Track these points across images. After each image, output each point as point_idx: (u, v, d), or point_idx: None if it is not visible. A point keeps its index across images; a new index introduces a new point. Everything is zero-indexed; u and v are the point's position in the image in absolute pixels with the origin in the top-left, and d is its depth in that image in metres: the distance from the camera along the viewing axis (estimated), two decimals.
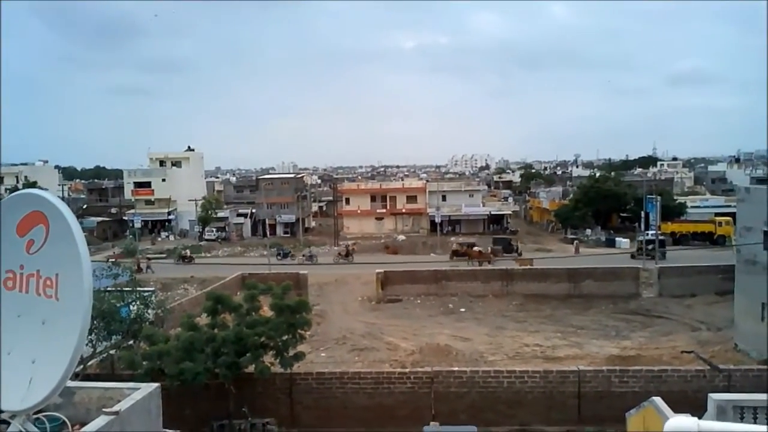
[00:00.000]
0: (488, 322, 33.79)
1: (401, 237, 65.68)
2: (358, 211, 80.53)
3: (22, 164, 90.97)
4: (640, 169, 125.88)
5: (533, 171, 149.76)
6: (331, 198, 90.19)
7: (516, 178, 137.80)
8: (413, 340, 30.13)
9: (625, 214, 73.92)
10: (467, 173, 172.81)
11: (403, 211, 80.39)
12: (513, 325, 33.21)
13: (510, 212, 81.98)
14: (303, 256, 58.65)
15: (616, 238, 63.83)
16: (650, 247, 51.48)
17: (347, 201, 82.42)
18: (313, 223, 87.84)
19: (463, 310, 36.91)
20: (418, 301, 39.33)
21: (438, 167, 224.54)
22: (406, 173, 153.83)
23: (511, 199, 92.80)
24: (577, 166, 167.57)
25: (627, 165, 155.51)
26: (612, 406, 17.86)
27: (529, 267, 45.70)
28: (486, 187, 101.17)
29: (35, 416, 4.85)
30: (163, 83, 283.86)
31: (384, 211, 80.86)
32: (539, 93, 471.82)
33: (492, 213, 77.99)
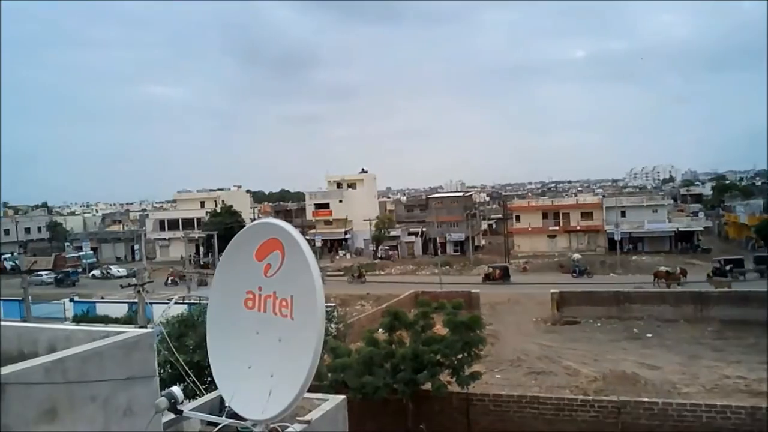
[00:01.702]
0: (680, 350, 30.87)
1: (576, 256, 62.67)
2: (529, 229, 78.48)
3: (219, 189, 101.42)
4: None
5: (727, 182, 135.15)
6: (500, 216, 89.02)
7: (706, 190, 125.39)
8: (594, 365, 28.45)
9: None
10: (649, 187, 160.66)
11: (578, 228, 76.82)
12: (710, 354, 29.99)
13: (701, 228, 74.61)
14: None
15: None
16: (728, 267, 46.73)
17: (517, 218, 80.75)
18: (482, 242, 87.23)
19: (649, 335, 34.14)
20: (598, 325, 37.15)
21: (614, 181, 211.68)
22: (579, 188, 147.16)
23: (701, 214, 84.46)
24: None
25: None
26: None
27: (726, 290, 41.10)
28: (672, 201, 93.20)
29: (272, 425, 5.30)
30: (336, 109, 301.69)
31: (557, 228, 77.94)
32: (729, 96, 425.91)
33: (680, 230, 71.59)
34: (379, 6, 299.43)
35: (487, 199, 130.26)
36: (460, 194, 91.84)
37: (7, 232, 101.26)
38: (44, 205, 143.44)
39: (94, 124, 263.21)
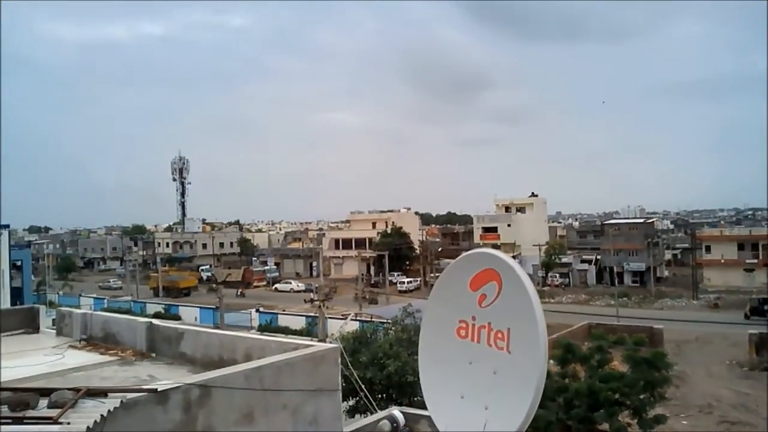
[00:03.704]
0: None
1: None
2: (722, 261, 70.70)
3: (389, 211, 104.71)
4: None
5: None
6: (687, 245, 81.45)
7: None
8: None
9: None
10: None
11: None
12: None
13: None
14: None
15: None
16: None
17: (707, 249, 73.21)
18: (665, 273, 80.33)
19: None
20: None
21: None
22: None
23: None
24: None
25: None
26: None
27: None
28: None
29: None
30: (508, 132, 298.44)
31: (755, 261, 69.30)
32: None
33: None
34: (555, 24, 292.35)
35: (671, 226, 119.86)
36: (640, 220, 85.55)
37: (204, 246, 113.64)
38: (236, 222, 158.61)
39: (278, 150, 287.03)
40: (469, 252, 5.69)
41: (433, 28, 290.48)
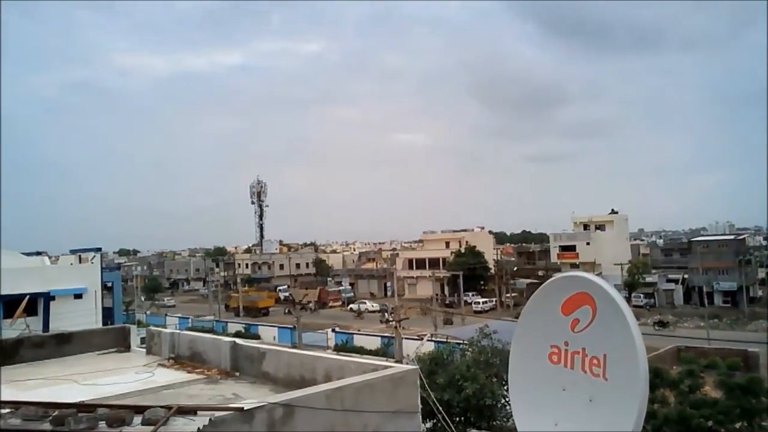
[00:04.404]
0: None
1: None
2: None
3: (462, 230, 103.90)
4: None
5: None
6: None
7: None
8: None
9: None
10: None
11: None
12: None
13: None
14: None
15: None
16: None
17: None
18: (759, 292, 75.34)
19: None
20: None
21: None
22: None
23: None
24: None
25: None
26: None
27: None
28: None
29: None
30: (583, 147, 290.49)
31: None
32: None
33: None
34: (629, 35, 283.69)
35: (764, 242, 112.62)
36: (730, 237, 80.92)
37: (281, 266, 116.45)
38: (312, 243, 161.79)
39: (351, 171, 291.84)
40: (560, 275, 5.54)
41: (502, 45, 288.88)
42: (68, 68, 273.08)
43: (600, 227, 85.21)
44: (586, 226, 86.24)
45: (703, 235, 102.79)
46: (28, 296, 22.53)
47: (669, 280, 75.55)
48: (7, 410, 5.13)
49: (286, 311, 74.89)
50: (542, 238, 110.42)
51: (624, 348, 4.51)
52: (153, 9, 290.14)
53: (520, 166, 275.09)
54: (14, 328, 19.72)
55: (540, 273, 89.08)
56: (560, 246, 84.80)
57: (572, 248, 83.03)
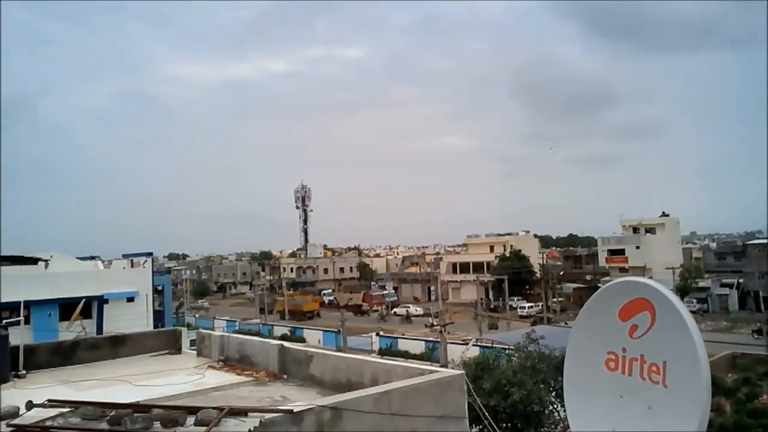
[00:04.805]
0: None
1: None
2: None
3: (507, 234, 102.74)
4: None
5: None
6: None
7: None
8: None
9: None
10: None
11: None
12: None
13: None
14: None
15: None
16: None
17: None
18: None
19: None
20: None
21: None
22: None
23: None
24: None
25: None
26: None
27: None
28: None
29: None
30: (631, 149, 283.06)
31: None
32: None
33: None
34: (679, 33, 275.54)
35: None
36: None
37: (326, 270, 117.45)
38: (356, 247, 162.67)
39: (394, 175, 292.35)
40: (617, 280, 5.44)
41: (547, 46, 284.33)
42: (119, 78, 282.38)
43: (650, 230, 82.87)
44: (635, 230, 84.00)
45: (758, 238, 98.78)
46: (84, 299, 23.33)
47: (723, 285, 72.90)
48: (68, 409, 5.33)
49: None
50: (589, 242, 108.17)
51: (685, 355, 4.40)
52: (200, 20, 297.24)
53: (565, 168, 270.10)
54: (71, 330, 20.47)
55: (587, 277, 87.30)
56: (608, 250, 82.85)
57: (621, 252, 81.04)
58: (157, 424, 4.79)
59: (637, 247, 79.36)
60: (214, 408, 5.10)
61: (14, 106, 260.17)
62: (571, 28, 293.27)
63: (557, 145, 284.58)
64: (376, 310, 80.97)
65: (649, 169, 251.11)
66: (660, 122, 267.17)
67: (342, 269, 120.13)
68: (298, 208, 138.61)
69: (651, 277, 75.11)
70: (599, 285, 78.79)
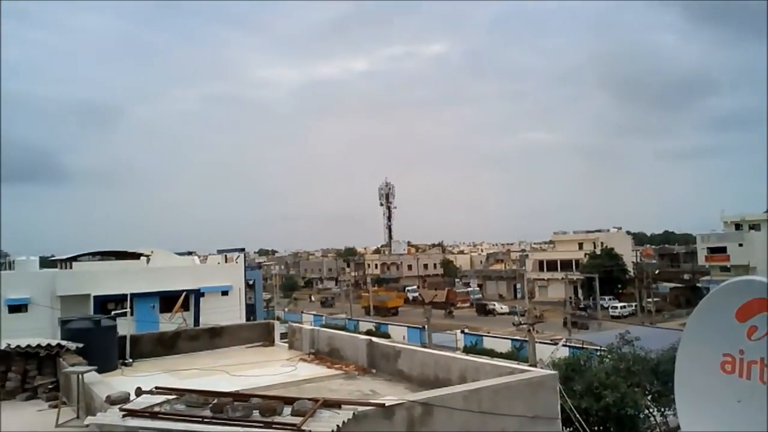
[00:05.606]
0: None
1: None
2: None
3: (597, 231, 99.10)
4: None
5: None
6: None
7: None
8: None
9: None
10: None
11: None
12: None
13: None
14: None
15: None
16: None
17: None
18: None
19: None
20: None
21: None
22: None
23: None
24: None
25: None
26: None
27: None
28: None
29: None
30: (731, 140, 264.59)
31: None
32: None
33: None
34: None
35: None
36: None
37: (409, 267, 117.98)
38: (439, 244, 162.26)
39: (478, 172, 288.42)
40: (733, 280, 5.16)
41: (640, 35, 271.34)
42: (209, 82, 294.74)
43: (754, 227, 77.39)
44: (738, 226, 78.74)
45: None
46: (185, 293, 24.63)
47: None
48: (173, 396, 5.65)
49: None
50: (687, 239, 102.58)
51: None
52: (284, 22, 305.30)
53: (658, 162, 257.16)
54: (172, 322, 21.69)
55: (685, 276, 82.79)
56: (708, 247, 78.16)
57: (722, 250, 76.22)
58: (256, 413, 4.99)
59: (741, 245, 74.37)
60: (309, 399, 5.26)
61: (113, 113, 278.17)
62: (667, 14, 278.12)
63: (649, 137, 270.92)
64: (461, 308, 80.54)
65: (752, 161, 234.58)
66: (763, 111, 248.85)
67: (426, 266, 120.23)
68: (382, 205, 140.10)
69: None
70: (698, 285, 74.86)
